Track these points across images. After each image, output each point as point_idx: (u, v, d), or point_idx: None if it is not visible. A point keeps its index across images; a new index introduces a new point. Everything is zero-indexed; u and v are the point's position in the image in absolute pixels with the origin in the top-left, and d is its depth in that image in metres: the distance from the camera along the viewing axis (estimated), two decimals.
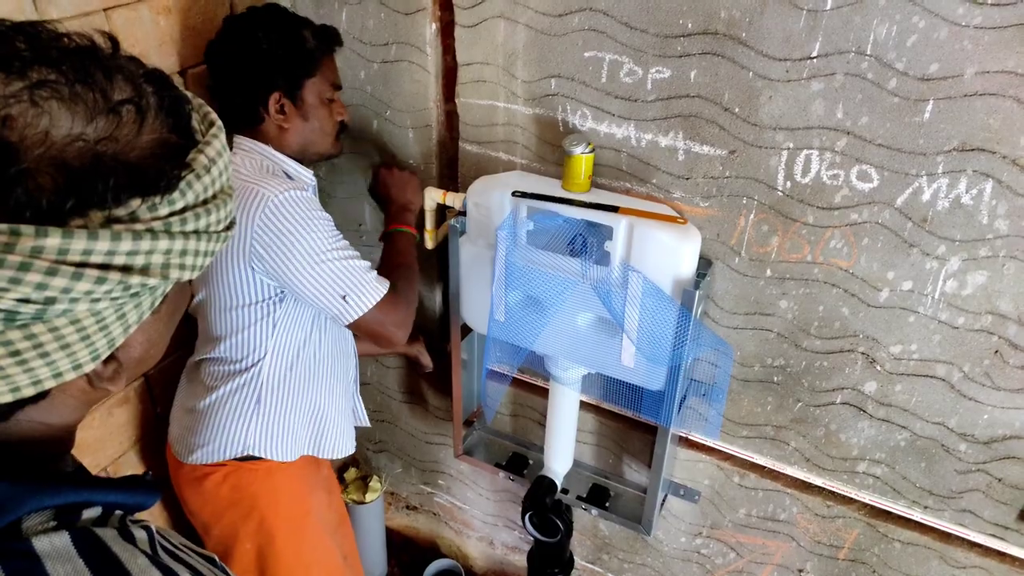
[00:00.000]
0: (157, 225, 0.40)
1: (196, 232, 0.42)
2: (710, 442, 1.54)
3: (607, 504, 1.64)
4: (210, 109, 0.50)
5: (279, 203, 1.22)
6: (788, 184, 1.19)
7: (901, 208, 1.13)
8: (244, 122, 1.36)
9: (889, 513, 1.40)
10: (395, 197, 1.49)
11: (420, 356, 1.75)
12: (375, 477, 2.15)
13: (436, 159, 1.54)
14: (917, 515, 1.38)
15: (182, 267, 0.42)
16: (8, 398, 0.41)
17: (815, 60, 1.08)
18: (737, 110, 1.17)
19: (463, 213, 1.45)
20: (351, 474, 2.20)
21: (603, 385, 1.59)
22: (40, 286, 0.36)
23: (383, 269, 1.39)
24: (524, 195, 1.34)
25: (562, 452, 1.61)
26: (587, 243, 1.36)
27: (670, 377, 1.34)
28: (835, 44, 1.06)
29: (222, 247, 0.45)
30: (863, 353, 1.27)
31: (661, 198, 1.32)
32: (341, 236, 1.30)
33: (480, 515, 2.08)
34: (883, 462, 1.35)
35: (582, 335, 1.39)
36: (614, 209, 1.29)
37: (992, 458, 1.26)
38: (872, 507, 1.41)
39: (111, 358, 0.46)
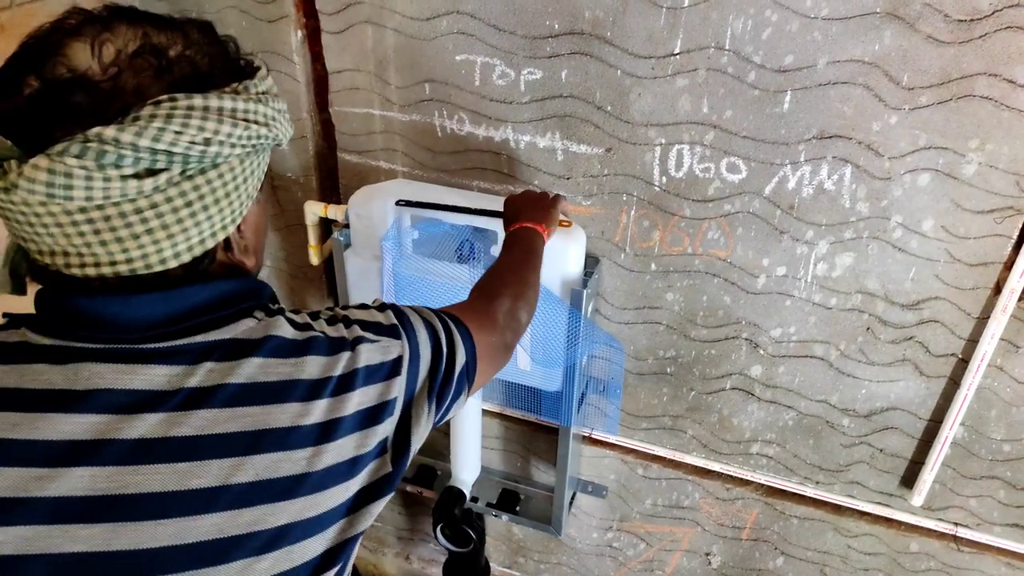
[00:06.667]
0: (256, 96, 0.59)
1: (278, 111, 0.61)
2: (613, 438, 1.55)
3: (517, 508, 1.63)
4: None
5: None
6: (664, 179, 1.21)
7: (770, 197, 1.16)
8: None
9: (784, 491, 1.45)
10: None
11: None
12: None
13: (315, 171, 1.49)
14: (810, 491, 1.43)
15: (271, 127, 0.60)
16: (189, 256, 0.58)
17: (678, 56, 1.09)
18: (609, 108, 1.18)
19: (347, 225, 1.40)
20: None
21: (503, 390, 1.58)
22: (201, 129, 0.54)
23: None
24: (407, 203, 1.31)
25: (469, 460, 1.59)
26: (474, 249, 1.34)
27: (566, 377, 1.33)
28: (695, 40, 1.08)
29: (288, 132, 0.64)
30: (746, 339, 1.30)
31: None
32: None
33: (394, 531, 2.03)
34: (774, 442, 1.39)
35: None
36: (498, 213, 1.28)
37: (873, 430, 1.31)
38: (768, 487, 1.46)
39: (239, 231, 0.63)
